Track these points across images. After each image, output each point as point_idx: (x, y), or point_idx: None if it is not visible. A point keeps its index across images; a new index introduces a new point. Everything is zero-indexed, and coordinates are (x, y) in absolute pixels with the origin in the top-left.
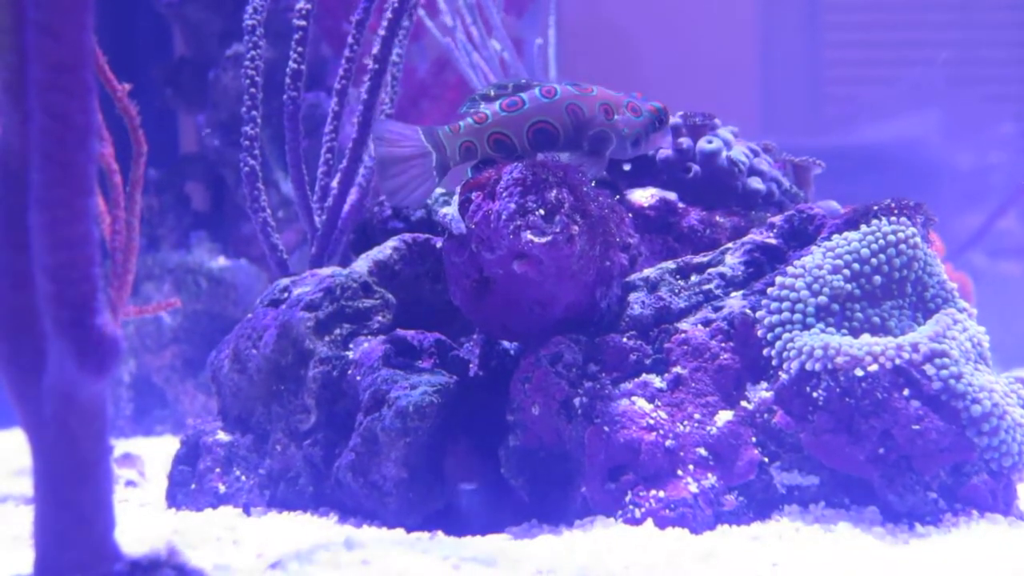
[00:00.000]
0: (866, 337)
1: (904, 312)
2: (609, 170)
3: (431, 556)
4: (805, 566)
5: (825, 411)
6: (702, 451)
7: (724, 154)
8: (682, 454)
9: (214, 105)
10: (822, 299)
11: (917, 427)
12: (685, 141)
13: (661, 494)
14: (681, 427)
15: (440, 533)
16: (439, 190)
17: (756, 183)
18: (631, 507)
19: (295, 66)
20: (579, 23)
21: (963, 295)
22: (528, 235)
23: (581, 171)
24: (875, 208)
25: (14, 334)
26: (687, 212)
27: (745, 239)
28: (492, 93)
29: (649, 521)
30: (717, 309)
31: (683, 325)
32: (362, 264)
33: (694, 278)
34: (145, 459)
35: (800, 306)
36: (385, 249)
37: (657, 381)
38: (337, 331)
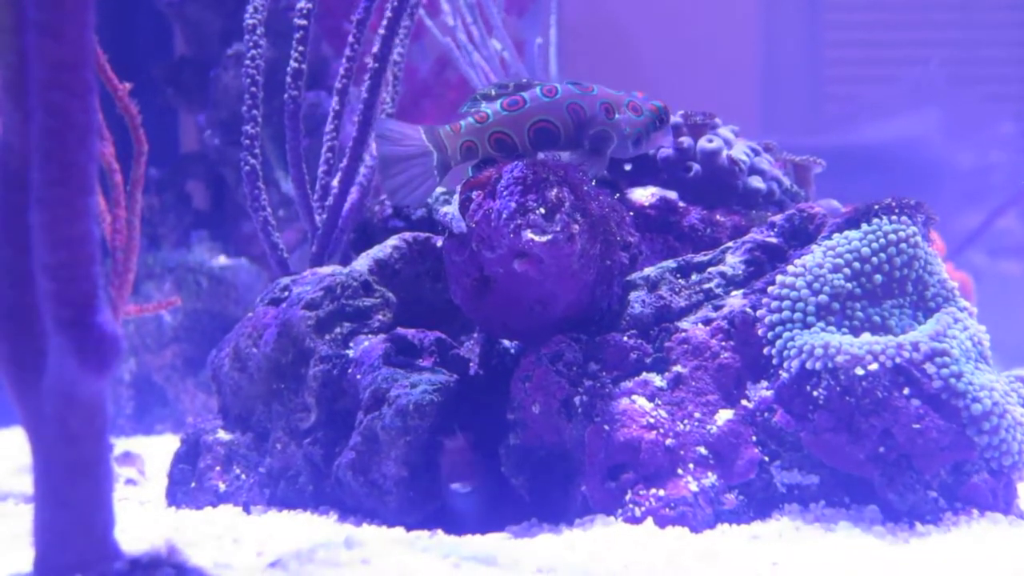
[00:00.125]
0: (867, 336)
1: (905, 311)
2: (610, 169)
3: (431, 555)
4: (805, 565)
5: (825, 410)
6: (702, 450)
7: (725, 153)
8: (682, 453)
9: (215, 104)
10: (823, 298)
11: (917, 426)
12: (686, 140)
13: (661, 493)
14: (681, 426)
15: (440, 532)
16: (440, 189)
17: (757, 182)
18: (631, 506)
19: (296, 65)
20: (580, 22)
21: (964, 294)
22: (529, 234)
23: (582, 170)
24: (876, 207)
25: (15, 333)
26: (688, 211)
27: (746, 238)
28: (493, 92)
29: (649, 520)
30: (718, 308)
31: (683, 324)
32: (362, 263)
33: (695, 277)
34: (145, 458)
35: (801, 305)
36: (386, 248)
37: (657, 380)
38: (337, 330)
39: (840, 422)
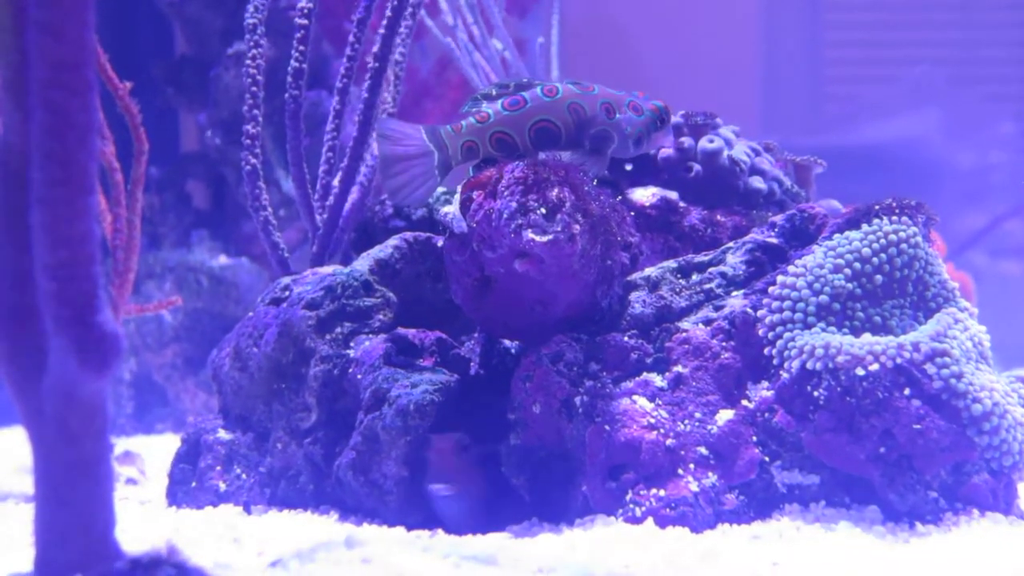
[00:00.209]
0: (867, 336)
1: (905, 311)
2: (610, 169)
3: (431, 554)
4: (806, 565)
5: (826, 410)
6: (703, 450)
7: (725, 153)
8: (683, 453)
9: (215, 103)
10: (823, 298)
11: (918, 426)
12: (686, 140)
13: (662, 493)
14: (682, 426)
15: (440, 531)
16: (441, 189)
17: (757, 182)
18: (632, 506)
19: (297, 64)
20: (581, 23)
21: (964, 294)
22: (529, 234)
23: (583, 170)
24: (876, 207)
25: (15, 332)
26: (688, 211)
27: (746, 238)
28: (494, 92)
29: (650, 520)
30: (718, 308)
31: (684, 324)
32: (363, 263)
33: (695, 277)
34: (146, 457)
35: (801, 305)
36: (386, 248)
37: (658, 380)
38: (338, 329)
39: (841, 422)
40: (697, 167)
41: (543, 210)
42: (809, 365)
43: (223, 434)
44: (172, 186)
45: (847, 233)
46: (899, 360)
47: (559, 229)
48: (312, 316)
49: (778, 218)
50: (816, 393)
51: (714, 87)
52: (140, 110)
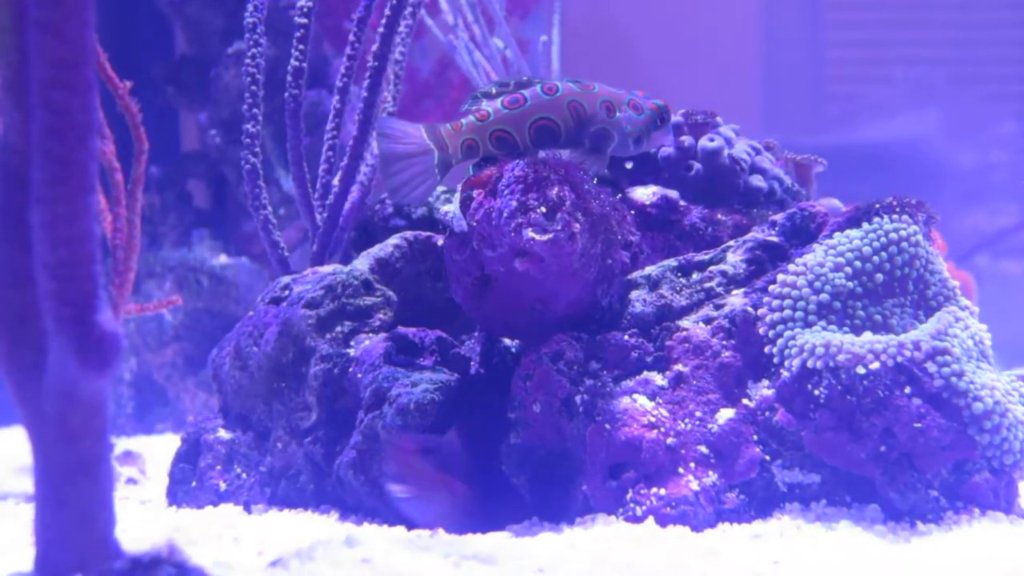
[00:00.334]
0: (868, 335)
1: (906, 310)
2: (611, 168)
3: (432, 554)
4: (806, 564)
5: (827, 409)
6: (703, 449)
7: (726, 152)
8: (683, 452)
9: (215, 103)
10: (824, 297)
11: (919, 425)
12: (687, 139)
13: (662, 492)
14: (682, 425)
15: (441, 531)
16: (441, 187)
17: (758, 181)
18: (632, 505)
19: (296, 64)
20: (582, 22)
21: (965, 293)
22: (529, 233)
23: (583, 169)
24: (877, 206)
25: (15, 332)
26: (689, 210)
27: (747, 237)
28: (494, 90)
29: (650, 519)
30: (719, 307)
31: (685, 323)
32: (363, 262)
33: (696, 276)
34: (146, 457)
35: (802, 304)
36: (386, 247)
37: (658, 379)
38: (338, 328)
39: (841, 421)
40: (697, 166)
41: (543, 209)
42: (810, 364)
43: (223, 433)
44: (172, 185)
45: (848, 232)
46: (900, 358)
47: (559, 228)
48: (312, 315)
49: (779, 217)
50: (817, 392)
51: (714, 86)
52: (140, 109)
